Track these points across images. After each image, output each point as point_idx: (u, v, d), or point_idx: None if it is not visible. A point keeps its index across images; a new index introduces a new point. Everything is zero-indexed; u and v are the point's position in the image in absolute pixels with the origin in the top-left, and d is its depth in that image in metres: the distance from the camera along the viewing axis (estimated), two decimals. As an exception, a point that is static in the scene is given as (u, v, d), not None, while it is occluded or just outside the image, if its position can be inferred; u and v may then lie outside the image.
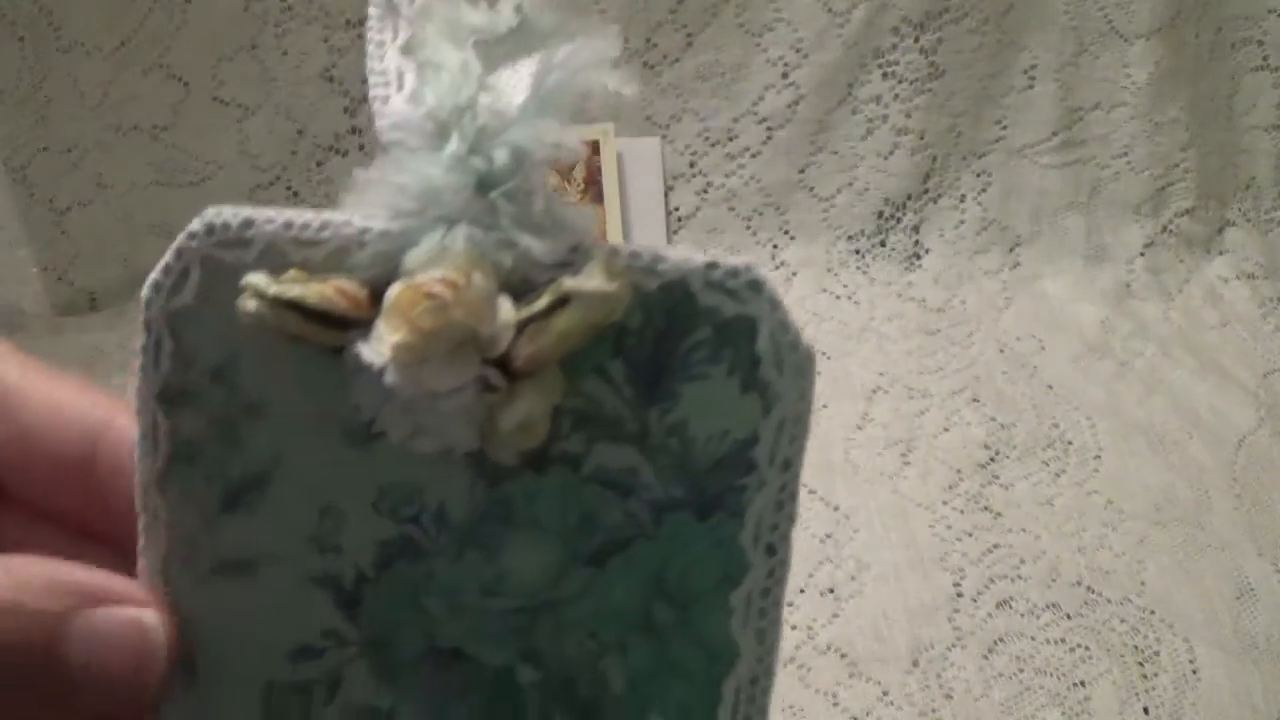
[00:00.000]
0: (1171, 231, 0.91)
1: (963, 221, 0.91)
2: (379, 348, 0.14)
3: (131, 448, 0.17)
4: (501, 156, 0.14)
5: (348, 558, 0.16)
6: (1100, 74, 0.87)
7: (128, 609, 0.16)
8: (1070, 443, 0.74)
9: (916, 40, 0.86)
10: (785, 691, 0.57)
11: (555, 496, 0.15)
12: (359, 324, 0.14)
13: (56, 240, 0.85)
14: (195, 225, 0.15)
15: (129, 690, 0.17)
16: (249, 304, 0.14)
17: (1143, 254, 0.90)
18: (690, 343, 0.15)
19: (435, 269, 0.13)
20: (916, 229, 0.91)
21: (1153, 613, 0.62)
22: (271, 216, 0.15)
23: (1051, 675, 0.58)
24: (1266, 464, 0.73)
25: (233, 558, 0.16)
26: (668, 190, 0.89)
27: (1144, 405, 0.78)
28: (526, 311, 0.14)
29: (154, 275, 0.15)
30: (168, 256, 0.15)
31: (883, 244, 0.89)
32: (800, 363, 0.15)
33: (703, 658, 0.15)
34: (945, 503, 0.68)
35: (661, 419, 0.15)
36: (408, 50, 0.14)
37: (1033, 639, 0.60)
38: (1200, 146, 0.89)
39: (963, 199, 0.91)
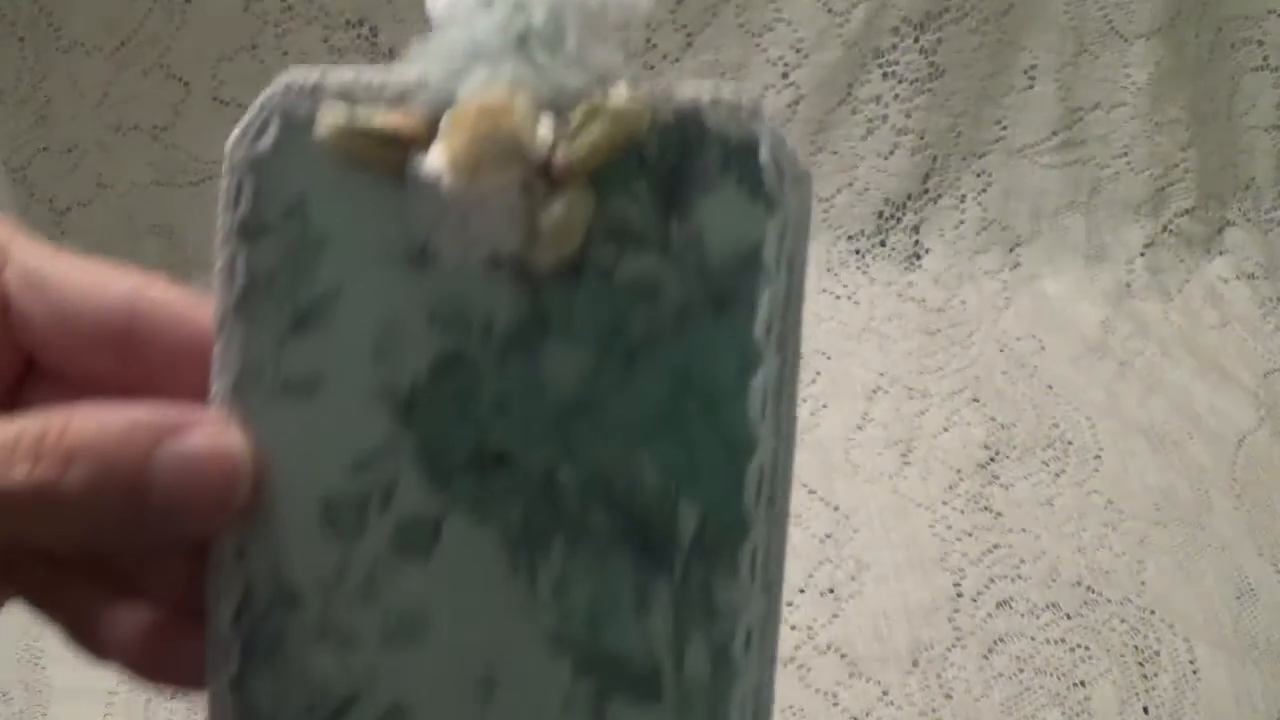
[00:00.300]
0: (1171, 231, 0.91)
1: (963, 221, 0.91)
2: (440, 157, 0.16)
3: (173, 306, 0.19)
4: (539, 15, 0.16)
5: (403, 371, 0.17)
6: (1100, 74, 0.87)
7: (207, 428, 0.17)
8: (1070, 443, 0.74)
9: (916, 40, 0.86)
10: (785, 692, 0.57)
11: (589, 302, 0.17)
12: (419, 145, 0.16)
13: (56, 240, 0.85)
14: (276, 83, 0.17)
15: (216, 510, 0.18)
16: (326, 129, 0.17)
17: (1143, 254, 0.90)
18: (702, 161, 0.17)
19: (486, 94, 0.16)
20: (916, 229, 0.91)
21: (1153, 613, 0.62)
22: (341, 72, 0.17)
23: (1051, 675, 0.58)
24: (1266, 464, 0.73)
25: (299, 376, 0.18)
26: (668, 190, 0.89)
27: (1144, 405, 0.78)
28: (561, 126, 0.16)
29: (238, 128, 0.18)
30: (250, 110, 0.18)
31: (883, 244, 0.89)
32: (798, 174, 0.17)
33: (726, 447, 0.17)
34: (945, 503, 0.68)
35: (680, 228, 0.17)
36: None
37: (1033, 639, 0.60)
38: (1200, 146, 0.89)
39: (963, 199, 0.91)
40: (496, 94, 0.16)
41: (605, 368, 0.17)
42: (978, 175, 0.90)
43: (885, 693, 0.58)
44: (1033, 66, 0.88)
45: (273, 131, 0.18)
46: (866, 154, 0.88)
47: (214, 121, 0.86)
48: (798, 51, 0.87)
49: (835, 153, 0.88)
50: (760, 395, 0.17)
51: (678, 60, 0.88)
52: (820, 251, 0.88)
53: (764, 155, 0.17)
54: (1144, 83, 0.87)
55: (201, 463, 0.17)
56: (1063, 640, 0.60)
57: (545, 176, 0.16)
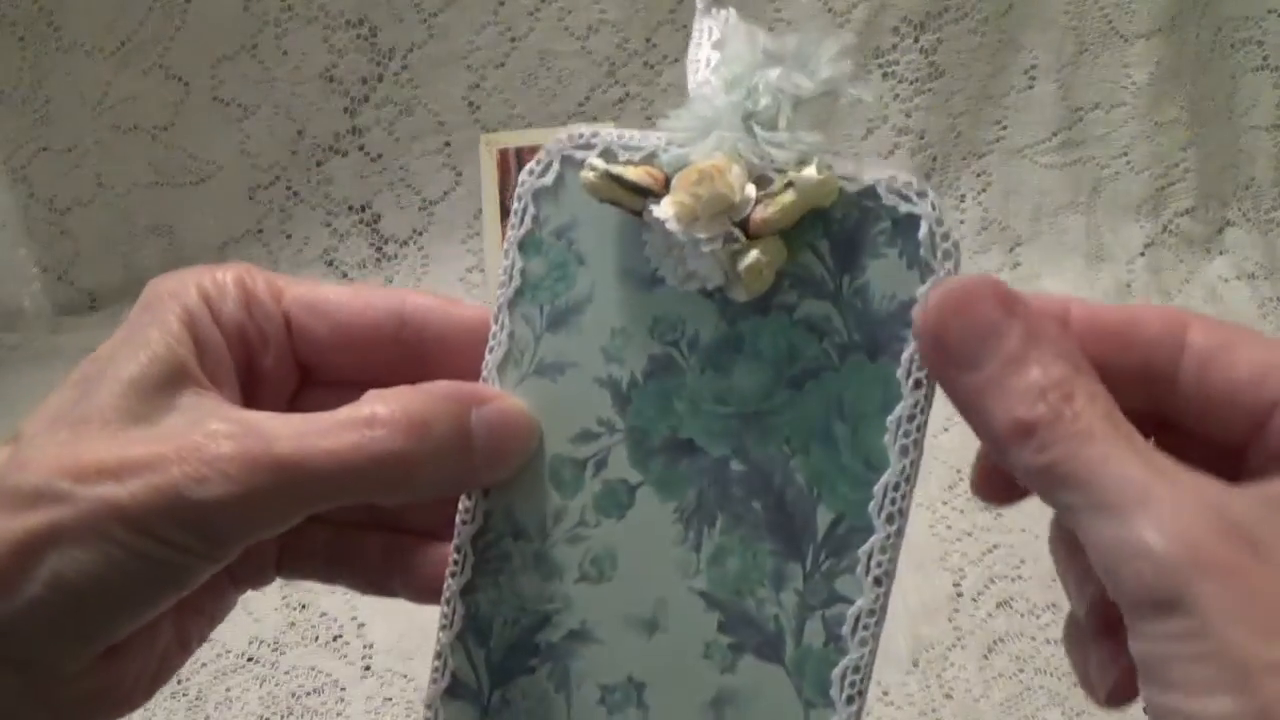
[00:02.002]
0: (1171, 231, 0.91)
1: (963, 221, 0.91)
2: (668, 207, 0.21)
3: (433, 306, 0.24)
4: (764, 100, 0.20)
5: (626, 367, 0.22)
6: (1100, 74, 0.87)
7: (506, 400, 0.23)
8: (1070, 443, 0.74)
9: (916, 40, 0.86)
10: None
11: (773, 333, 0.22)
12: (655, 195, 0.21)
13: (56, 240, 0.85)
14: (561, 135, 0.23)
15: (520, 458, 0.23)
16: (588, 175, 0.21)
17: (1143, 254, 0.90)
18: (874, 231, 0.21)
19: (709, 161, 0.21)
20: (916, 229, 0.91)
21: (1153, 613, 0.62)
22: (610, 131, 0.22)
23: (1051, 675, 0.58)
24: (1266, 464, 0.73)
25: (550, 362, 0.23)
26: (668, 190, 0.89)
27: (1144, 405, 0.78)
28: (763, 191, 0.21)
29: (528, 166, 0.23)
30: (539, 154, 0.23)
31: (883, 244, 0.89)
32: (949, 249, 0.20)
33: (862, 464, 0.21)
34: (945, 503, 0.68)
35: (851, 283, 0.21)
36: (717, 45, 0.21)
37: (1033, 639, 0.60)
38: (1200, 146, 0.89)
39: (963, 199, 0.91)
40: (717, 162, 0.20)
41: (779, 386, 0.22)
42: (978, 175, 0.90)
43: (885, 693, 0.58)
44: (1033, 66, 0.88)
45: (554, 170, 0.23)
46: (866, 154, 0.88)
47: (214, 121, 0.86)
48: (798, 51, 0.87)
49: (835, 153, 0.88)
50: (895, 426, 0.21)
51: (678, 60, 0.88)
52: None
53: (923, 232, 0.20)
54: (1144, 83, 0.87)
55: (508, 422, 0.22)
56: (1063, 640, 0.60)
57: (745, 231, 0.21)
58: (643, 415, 0.22)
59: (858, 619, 0.21)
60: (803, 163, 0.21)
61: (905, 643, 0.59)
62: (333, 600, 0.61)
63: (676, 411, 0.22)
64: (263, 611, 0.60)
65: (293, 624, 0.60)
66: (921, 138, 0.89)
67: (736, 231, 0.21)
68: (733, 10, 0.22)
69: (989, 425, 0.19)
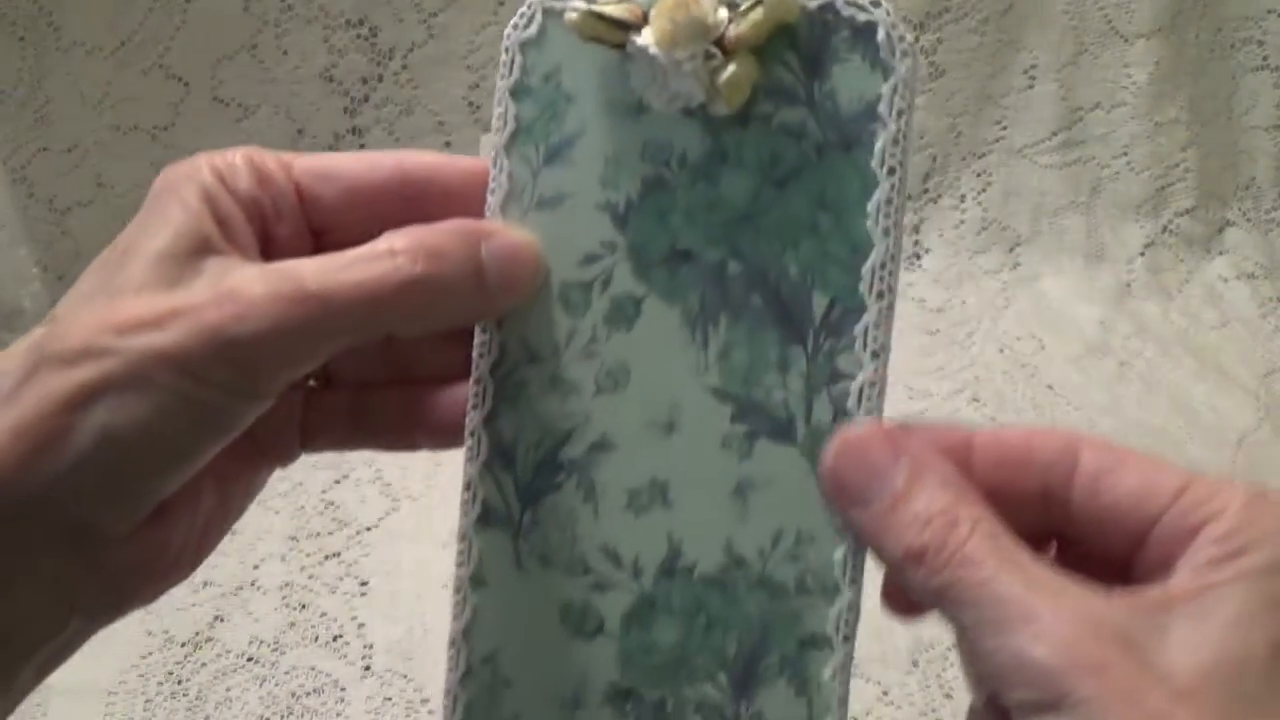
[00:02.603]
0: (1171, 231, 0.91)
1: (963, 221, 0.91)
2: (649, 35, 0.23)
3: (433, 160, 0.25)
4: None
5: (621, 191, 0.24)
6: (1100, 74, 0.87)
7: (512, 232, 0.24)
8: (1070, 443, 0.74)
9: (916, 40, 0.86)
10: (785, 691, 0.57)
11: (754, 141, 0.23)
12: (636, 27, 0.23)
13: (56, 240, 0.85)
14: None
15: (529, 286, 0.24)
16: (572, 15, 0.23)
17: (1143, 254, 0.90)
18: (836, 39, 0.23)
19: None
20: (916, 229, 0.91)
21: (1153, 613, 0.62)
22: None
23: (1051, 675, 0.58)
24: (1266, 464, 0.73)
25: (549, 195, 0.24)
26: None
27: (1144, 405, 0.78)
28: (735, 14, 0.23)
29: (512, 20, 0.24)
30: (521, 8, 0.24)
31: (883, 244, 0.89)
32: (905, 49, 0.23)
33: (849, 249, 0.23)
34: (945, 503, 0.67)
35: (821, 88, 0.23)
36: None
37: (1033, 639, 0.60)
38: (1200, 146, 0.89)
39: (963, 199, 0.91)
40: None
41: (764, 189, 0.24)
42: (978, 175, 0.90)
43: (885, 693, 0.58)
44: (1033, 66, 0.88)
45: (536, 20, 0.24)
46: None
47: (214, 121, 0.86)
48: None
49: None
50: (875, 210, 0.23)
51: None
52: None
53: (880, 35, 0.23)
54: (1144, 83, 0.87)
55: (516, 251, 0.24)
56: (1063, 640, 0.60)
57: (721, 49, 0.23)
58: (641, 232, 0.24)
59: (861, 391, 0.23)
60: None
61: (905, 643, 0.59)
62: (333, 600, 0.61)
63: (672, 225, 0.24)
64: (262, 611, 0.60)
65: (293, 624, 0.60)
66: (921, 138, 0.89)
67: (714, 49, 0.23)
68: None
69: (886, 553, 0.22)
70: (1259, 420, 0.77)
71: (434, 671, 0.60)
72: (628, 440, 0.24)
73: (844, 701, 0.24)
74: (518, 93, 0.25)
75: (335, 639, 0.60)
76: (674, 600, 0.24)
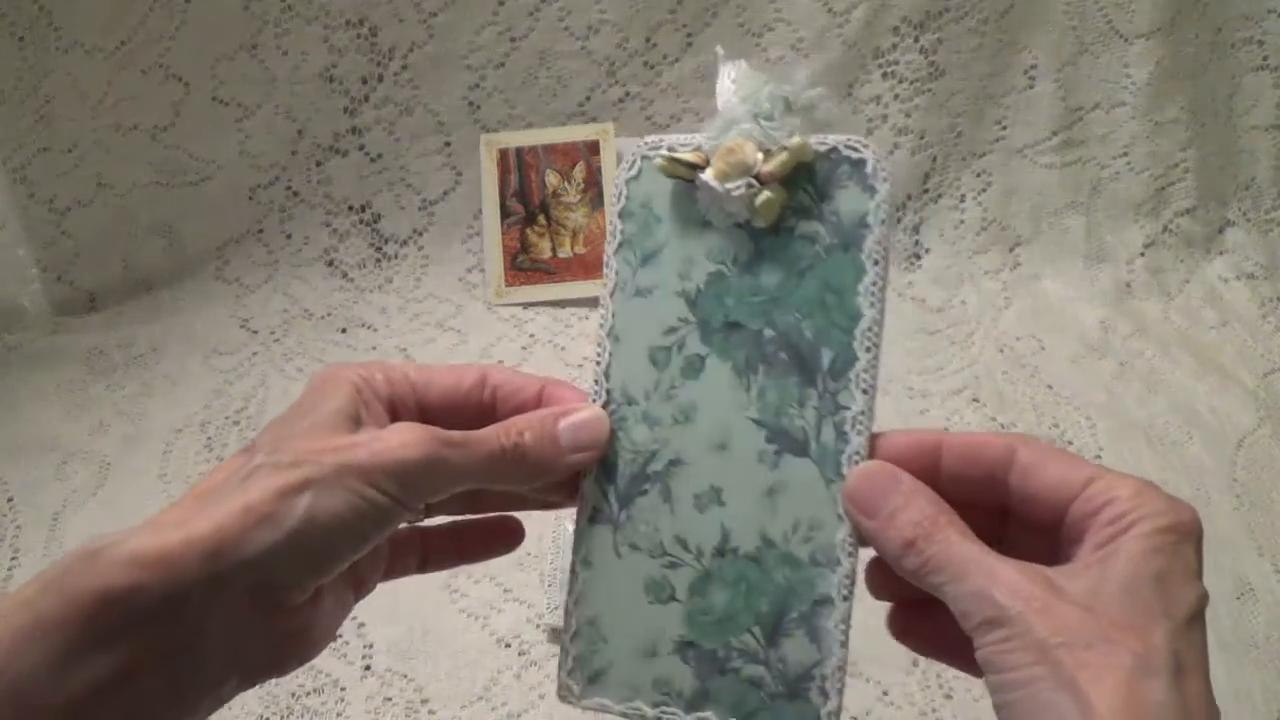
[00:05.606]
0: (1171, 231, 0.91)
1: (963, 221, 0.91)
2: (710, 173, 0.32)
3: (508, 374, 0.35)
4: (765, 105, 0.32)
5: (693, 281, 0.34)
6: (1100, 74, 0.87)
7: (586, 409, 0.33)
8: (1070, 443, 0.74)
9: (916, 40, 0.86)
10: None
11: (783, 246, 0.33)
12: (701, 168, 0.33)
13: (56, 240, 0.85)
14: (639, 142, 0.35)
15: (595, 450, 0.33)
16: (659, 161, 0.33)
17: (1143, 254, 0.90)
18: (839, 172, 0.32)
19: (733, 142, 0.33)
20: (916, 229, 0.91)
21: (1153, 612, 0.62)
22: (670, 136, 0.34)
23: (1051, 675, 0.58)
24: (1266, 464, 0.73)
25: (643, 287, 0.34)
26: (668, 190, 0.89)
27: (1144, 405, 0.78)
28: (768, 157, 0.32)
29: (621, 165, 0.35)
30: (627, 158, 0.35)
31: (883, 244, 0.89)
32: (886, 175, 0.32)
33: (847, 318, 0.32)
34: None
35: (828, 207, 0.32)
36: (734, 80, 0.33)
37: (1033, 639, 0.60)
38: (1200, 146, 0.89)
39: (963, 199, 0.91)
40: (737, 143, 0.32)
41: (790, 278, 0.33)
42: (978, 175, 0.90)
43: (885, 693, 0.58)
44: (1033, 66, 0.88)
45: (636, 165, 0.34)
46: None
47: (214, 121, 0.86)
48: (798, 51, 0.87)
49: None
50: (864, 290, 0.32)
51: (678, 60, 0.88)
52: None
53: (869, 169, 0.32)
54: (1144, 83, 0.87)
55: (585, 424, 0.33)
56: (1063, 640, 0.60)
57: (759, 181, 0.32)
58: (706, 310, 0.33)
59: (855, 418, 0.32)
60: (791, 138, 0.32)
61: (905, 642, 0.59)
62: (333, 600, 0.61)
63: (727, 305, 0.33)
64: (263, 611, 0.60)
65: (293, 624, 0.60)
66: (921, 138, 0.89)
67: (754, 181, 0.32)
68: (743, 61, 0.34)
69: (888, 546, 0.30)
70: (1259, 420, 0.77)
71: (434, 671, 0.60)
72: (694, 458, 0.33)
73: (844, 644, 0.32)
74: (624, 215, 0.35)
75: (335, 639, 0.59)
76: (725, 574, 0.33)
